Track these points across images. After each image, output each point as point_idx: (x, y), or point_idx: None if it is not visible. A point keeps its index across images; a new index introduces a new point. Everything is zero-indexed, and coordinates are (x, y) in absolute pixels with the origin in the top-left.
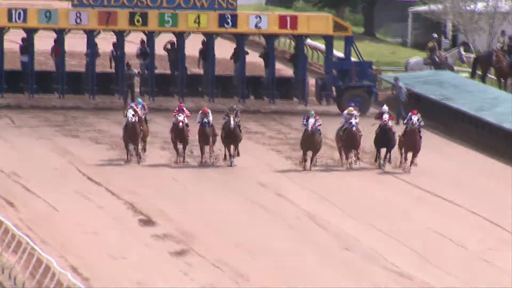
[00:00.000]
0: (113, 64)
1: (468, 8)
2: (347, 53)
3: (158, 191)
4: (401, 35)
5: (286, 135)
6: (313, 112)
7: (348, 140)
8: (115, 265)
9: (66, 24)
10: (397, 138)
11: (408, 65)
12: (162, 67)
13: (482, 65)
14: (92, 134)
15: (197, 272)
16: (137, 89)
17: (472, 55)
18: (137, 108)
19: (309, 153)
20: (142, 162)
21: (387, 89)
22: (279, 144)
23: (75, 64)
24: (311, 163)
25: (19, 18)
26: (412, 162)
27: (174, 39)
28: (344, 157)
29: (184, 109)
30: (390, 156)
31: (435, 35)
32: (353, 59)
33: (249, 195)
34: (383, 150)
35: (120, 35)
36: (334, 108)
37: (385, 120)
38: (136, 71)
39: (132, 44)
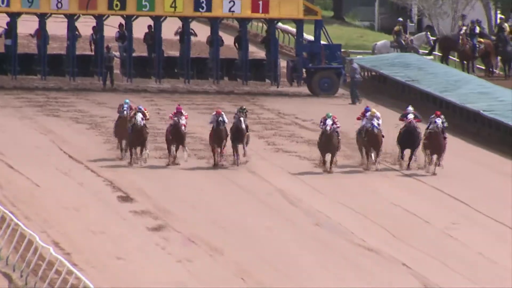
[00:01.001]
0: (92, 47)
1: None
2: (317, 36)
3: (136, 170)
4: (369, 19)
5: (258, 115)
6: (331, 114)
7: (370, 141)
8: (95, 240)
9: (48, 9)
10: (421, 138)
11: (375, 47)
12: (140, 50)
13: (445, 48)
14: (73, 114)
15: (173, 246)
16: (116, 71)
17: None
18: (146, 111)
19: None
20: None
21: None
22: (252, 124)
23: (56, 47)
24: (330, 165)
25: (2, 3)
26: (437, 163)
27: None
28: (365, 157)
29: (183, 111)
30: (415, 156)
31: (401, 19)
32: (322, 42)
33: (223, 173)
34: (407, 151)
35: (100, 19)
36: (304, 89)
37: (410, 120)
38: (115, 53)
39: (111, 28)
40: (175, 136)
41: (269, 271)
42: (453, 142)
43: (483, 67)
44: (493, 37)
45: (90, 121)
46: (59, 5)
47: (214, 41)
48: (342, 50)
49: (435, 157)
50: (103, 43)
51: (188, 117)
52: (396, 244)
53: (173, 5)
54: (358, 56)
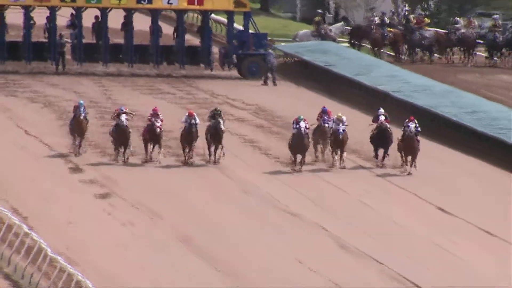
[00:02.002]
0: (46, 35)
1: None
2: (246, 26)
3: (86, 144)
4: (291, 11)
5: (194, 95)
6: (302, 117)
7: (336, 143)
8: (48, 206)
9: (7, 1)
10: (393, 138)
11: (297, 36)
12: (89, 38)
13: (358, 36)
14: (29, 94)
15: (119, 211)
16: (67, 56)
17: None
18: (127, 109)
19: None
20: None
21: (279, 56)
22: (188, 103)
23: (14, 35)
24: (301, 165)
25: None
26: (412, 164)
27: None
28: (319, 154)
29: (159, 113)
30: (387, 154)
31: (320, 11)
32: (250, 31)
33: (166, 149)
34: (381, 150)
35: (53, 10)
36: (234, 73)
37: (382, 121)
38: (66, 40)
39: (63, 17)
40: (151, 136)
41: (202, 233)
42: (362, 120)
43: (392, 54)
44: (401, 27)
45: (44, 101)
46: None
47: (155, 30)
48: (268, 38)
49: (409, 158)
50: (55, 31)
51: (163, 120)
52: (316, 211)
53: None
54: (282, 44)
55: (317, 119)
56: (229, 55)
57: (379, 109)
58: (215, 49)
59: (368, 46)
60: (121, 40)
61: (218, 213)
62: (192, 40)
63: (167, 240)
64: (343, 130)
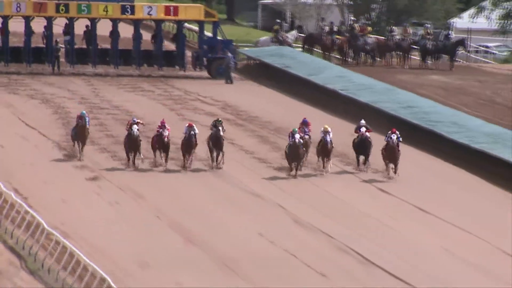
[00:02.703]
0: (44, 41)
1: (301, 0)
2: (214, 33)
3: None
4: (253, 20)
5: (170, 93)
6: (296, 129)
7: (323, 151)
8: (46, 188)
9: (9, 12)
10: (372, 146)
11: (259, 42)
12: (80, 44)
13: (311, 42)
14: (29, 92)
15: (106, 193)
16: (62, 59)
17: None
18: (138, 120)
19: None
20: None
21: (243, 59)
22: (164, 99)
23: (16, 41)
24: (296, 171)
25: None
26: (394, 171)
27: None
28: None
29: (166, 125)
30: (368, 161)
31: (279, 21)
32: (219, 38)
33: (148, 138)
34: (362, 157)
35: (49, 20)
36: (205, 73)
37: (363, 133)
38: (61, 46)
39: (59, 26)
40: (160, 145)
41: (179, 211)
42: (315, 114)
43: (340, 57)
44: (347, 34)
45: (42, 98)
46: (18, 9)
47: (137, 37)
48: (234, 44)
49: (391, 165)
50: (52, 38)
51: (170, 130)
52: (277, 192)
53: (105, 9)
54: (246, 49)
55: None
56: (200, 58)
57: (361, 120)
58: (188, 53)
59: (319, 51)
60: (108, 46)
61: (194, 195)
62: (169, 45)
63: (148, 218)
64: (330, 140)
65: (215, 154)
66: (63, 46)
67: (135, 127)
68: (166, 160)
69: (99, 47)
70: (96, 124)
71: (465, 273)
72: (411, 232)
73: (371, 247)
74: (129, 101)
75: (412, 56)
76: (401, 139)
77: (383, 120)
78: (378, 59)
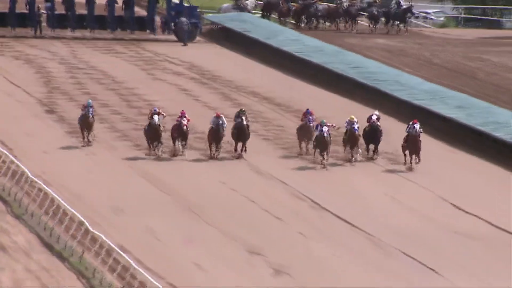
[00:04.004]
0: (27, 7)
1: None
2: (181, 0)
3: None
4: None
5: (141, 54)
6: (325, 121)
7: (350, 139)
8: (29, 140)
9: None
10: (382, 135)
11: (221, 9)
12: (60, 9)
13: (269, 9)
14: (13, 53)
15: (83, 144)
16: (43, 24)
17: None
18: (160, 110)
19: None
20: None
21: (207, 24)
22: (136, 61)
23: (2, 7)
24: (325, 161)
25: None
26: (417, 161)
27: None
28: (303, 148)
29: (186, 115)
30: (377, 149)
31: None
32: (185, 4)
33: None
34: (372, 146)
35: None
36: (173, 37)
37: (374, 120)
38: (43, 11)
39: None
40: (179, 133)
41: (149, 162)
42: (272, 74)
43: (294, 23)
44: (301, 2)
45: (25, 58)
46: None
47: (111, 4)
48: (199, 10)
49: (413, 156)
50: (34, 4)
51: (190, 120)
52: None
53: None
54: (210, 15)
55: (302, 119)
56: (168, 23)
57: (375, 111)
58: (158, 18)
59: (276, 17)
60: (85, 12)
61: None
62: (140, 11)
63: (122, 168)
64: (357, 128)
65: (240, 144)
66: (44, 12)
67: (156, 116)
68: (184, 149)
69: (77, 13)
70: (74, 83)
71: (408, 218)
72: (359, 182)
73: (322, 194)
74: (104, 62)
75: (359, 22)
76: (421, 129)
77: (333, 79)
78: (328, 24)
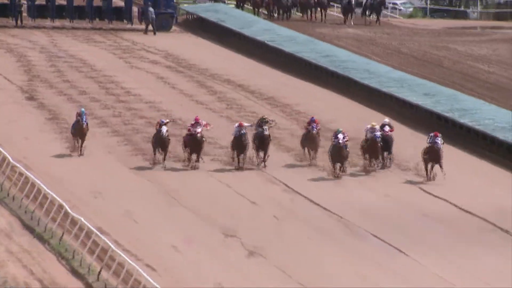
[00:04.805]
0: None
1: None
2: None
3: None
4: None
5: (119, 43)
6: (341, 129)
7: (371, 148)
8: (10, 126)
9: None
10: (394, 143)
11: None
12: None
13: (242, 0)
14: None
15: (62, 130)
16: (24, 14)
17: None
18: (167, 121)
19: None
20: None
21: (183, 14)
22: (115, 49)
23: None
24: (340, 171)
25: None
26: (441, 172)
27: None
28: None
29: (200, 122)
30: (391, 154)
31: None
32: None
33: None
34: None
35: None
36: (149, 27)
37: (387, 132)
38: (23, 1)
39: None
40: (193, 143)
41: (128, 147)
42: (245, 63)
43: (267, 13)
44: None
45: (6, 47)
46: None
47: None
48: (175, 0)
49: (435, 168)
50: None
51: (207, 126)
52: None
53: None
54: (185, 5)
55: (306, 127)
56: (145, 13)
57: (385, 119)
58: (135, 9)
59: (249, 7)
60: (64, 2)
61: (144, 136)
62: (117, 2)
63: (100, 152)
64: (378, 136)
65: (261, 154)
66: (25, 2)
67: (164, 128)
68: (198, 158)
69: (56, 3)
70: (54, 71)
71: (377, 201)
72: (329, 166)
73: (295, 178)
74: (83, 51)
75: (330, 12)
76: (443, 142)
77: (305, 67)
78: (300, 14)
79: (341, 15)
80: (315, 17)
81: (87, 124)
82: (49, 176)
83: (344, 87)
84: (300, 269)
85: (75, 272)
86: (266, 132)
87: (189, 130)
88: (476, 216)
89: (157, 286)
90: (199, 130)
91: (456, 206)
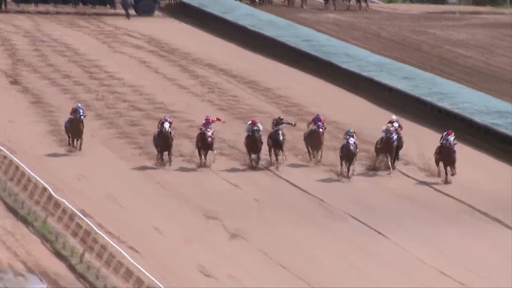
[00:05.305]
0: None
1: None
2: None
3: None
4: None
5: (102, 28)
6: (352, 130)
7: (385, 148)
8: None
9: None
10: (402, 143)
11: None
12: None
13: None
14: None
15: (47, 113)
16: None
17: None
18: (170, 119)
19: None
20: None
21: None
22: (97, 34)
23: None
24: (348, 172)
25: None
26: (452, 173)
27: None
28: (309, 155)
29: (210, 121)
30: (398, 155)
31: None
32: None
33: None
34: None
35: None
36: (132, 12)
37: (396, 128)
38: None
39: None
40: (203, 144)
41: (114, 131)
42: (227, 47)
43: None
44: None
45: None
46: None
47: None
48: None
49: (448, 168)
50: None
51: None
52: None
53: None
54: None
55: (308, 124)
56: None
57: (392, 116)
58: None
59: None
60: None
61: (135, 121)
62: None
63: (85, 136)
64: (396, 137)
65: (275, 153)
66: None
67: (166, 124)
68: (205, 158)
69: None
70: (38, 55)
71: (356, 184)
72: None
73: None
74: (67, 35)
75: None
76: (456, 141)
77: (286, 51)
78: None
79: (321, 0)
80: (293, 2)
81: (84, 116)
82: (33, 159)
83: (324, 71)
84: (281, 251)
85: (58, 254)
86: (280, 136)
87: (200, 129)
88: (453, 198)
89: (140, 267)
90: (210, 133)
91: (434, 188)
